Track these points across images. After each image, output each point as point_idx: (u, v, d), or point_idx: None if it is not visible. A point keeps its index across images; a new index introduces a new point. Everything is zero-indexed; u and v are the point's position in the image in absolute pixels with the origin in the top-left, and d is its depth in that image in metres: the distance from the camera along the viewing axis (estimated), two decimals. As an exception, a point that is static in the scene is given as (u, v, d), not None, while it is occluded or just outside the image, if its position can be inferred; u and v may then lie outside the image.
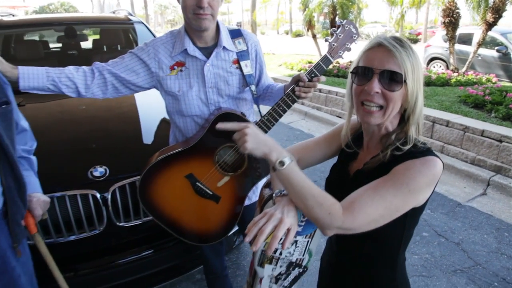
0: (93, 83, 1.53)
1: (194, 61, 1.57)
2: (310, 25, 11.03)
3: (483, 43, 8.25)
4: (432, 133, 4.79)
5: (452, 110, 5.08)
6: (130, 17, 3.86)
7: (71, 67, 1.52)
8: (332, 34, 1.43)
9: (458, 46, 9.67)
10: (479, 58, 9.36)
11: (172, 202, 1.54)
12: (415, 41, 24.28)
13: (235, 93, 1.63)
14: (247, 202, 1.68)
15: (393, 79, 0.95)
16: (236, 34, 1.62)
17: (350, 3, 9.97)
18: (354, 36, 1.44)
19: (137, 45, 3.93)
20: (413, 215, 1.02)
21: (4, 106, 1.21)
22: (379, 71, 0.96)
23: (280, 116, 1.41)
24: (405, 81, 0.95)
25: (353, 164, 1.12)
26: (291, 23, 42.79)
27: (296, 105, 7.84)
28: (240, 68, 1.60)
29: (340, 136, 1.20)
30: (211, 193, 1.53)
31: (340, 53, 1.45)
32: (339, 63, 8.56)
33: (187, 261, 2.12)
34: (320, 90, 7.24)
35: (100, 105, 2.41)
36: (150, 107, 2.44)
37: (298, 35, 36.83)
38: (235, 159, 1.53)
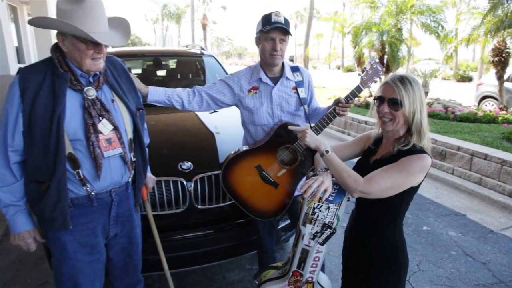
0: (193, 100, 2.20)
1: (265, 86, 2.20)
2: (359, 61, 11.57)
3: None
4: (470, 165, 5.05)
5: (493, 146, 5.30)
6: (203, 52, 4.64)
7: (179, 88, 2.21)
8: (363, 71, 2.00)
9: (511, 85, 9.70)
10: (534, 98, 9.31)
11: (244, 186, 2.12)
12: (469, 79, 23.90)
13: (293, 110, 2.23)
14: (296, 193, 2.21)
15: (394, 103, 1.51)
16: (295, 69, 2.26)
17: (399, 42, 10.40)
18: (380, 72, 1.99)
19: (205, 74, 4.70)
20: (410, 193, 1.53)
21: (141, 111, 1.87)
22: (387, 99, 1.54)
23: (324, 127, 1.97)
24: (401, 104, 1.49)
25: (373, 157, 1.66)
26: (343, 58, 43.48)
27: (340, 135, 8.30)
28: (297, 92, 2.21)
29: (361, 142, 1.79)
30: (272, 180, 2.10)
31: (369, 84, 2.00)
32: (359, 96, 9.01)
33: (241, 245, 2.64)
34: (358, 121, 7.72)
35: (184, 120, 3.12)
36: (217, 124, 3.10)
37: (349, 70, 37.34)
38: (289, 157, 2.10)
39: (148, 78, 4.56)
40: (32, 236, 1.73)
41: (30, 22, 1.55)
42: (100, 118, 1.64)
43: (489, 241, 3.72)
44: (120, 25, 1.69)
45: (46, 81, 1.56)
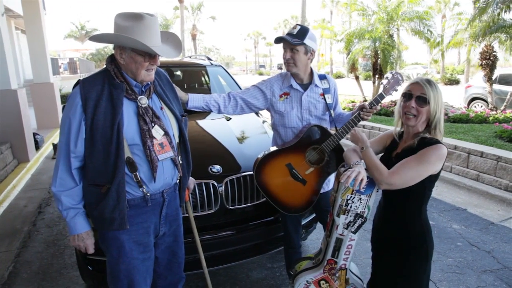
0: (229, 104, 2.40)
1: (295, 92, 2.40)
2: (353, 68, 11.88)
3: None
4: (467, 163, 5.31)
5: (488, 144, 5.57)
6: (211, 62, 4.84)
7: (215, 94, 2.41)
8: (386, 79, 2.22)
9: (499, 86, 10.07)
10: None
11: (276, 181, 2.31)
12: (456, 82, 24.54)
13: (320, 114, 2.44)
14: (321, 191, 2.40)
15: (422, 100, 1.72)
16: (322, 77, 2.47)
17: (391, 48, 10.74)
18: (400, 82, 2.21)
19: (209, 83, 4.89)
20: (431, 180, 1.74)
21: (184, 116, 2.04)
22: (416, 95, 1.74)
23: (349, 130, 2.17)
24: (428, 102, 1.69)
25: (394, 152, 1.87)
26: (331, 65, 44.04)
27: (343, 141, 8.53)
28: (324, 98, 2.41)
29: (383, 140, 1.99)
30: (301, 177, 2.29)
31: (391, 92, 2.22)
32: (381, 103, 9.26)
33: (268, 242, 2.81)
34: (363, 126, 7.92)
35: (209, 126, 3.33)
36: (240, 129, 3.29)
37: (338, 76, 37.92)
38: (317, 157, 2.30)
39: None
40: (90, 237, 1.85)
41: (93, 38, 1.71)
42: (153, 124, 1.79)
43: (491, 232, 3.95)
44: (169, 38, 1.85)
45: (105, 91, 1.70)
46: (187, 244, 2.28)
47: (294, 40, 2.26)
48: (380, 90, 2.26)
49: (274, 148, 2.41)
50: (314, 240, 3.71)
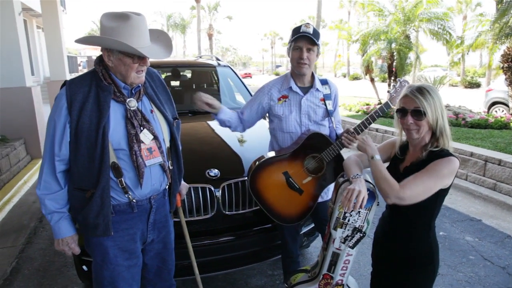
0: (239, 124, 2.39)
1: (295, 95, 2.29)
2: (368, 69, 11.65)
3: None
4: (484, 171, 5.08)
5: (507, 151, 5.34)
6: (219, 62, 4.77)
7: (234, 114, 2.38)
8: (392, 87, 2.09)
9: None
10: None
11: (271, 191, 2.20)
12: (477, 85, 23.89)
13: (319, 120, 2.32)
14: (320, 200, 2.29)
15: (418, 113, 1.60)
16: (324, 82, 2.36)
17: (407, 49, 10.47)
18: None
19: (218, 83, 4.82)
20: (441, 194, 1.61)
21: (177, 120, 1.96)
22: (410, 110, 1.62)
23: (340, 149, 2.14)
24: (425, 114, 1.57)
25: (402, 164, 1.74)
26: (348, 66, 43.52)
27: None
28: (325, 104, 2.30)
29: (387, 149, 1.86)
30: (298, 186, 2.18)
31: (397, 100, 2.08)
32: (386, 112, 9.05)
33: (266, 249, 2.72)
34: (377, 130, 7.73)
35: (208, 129, 3.26)
36: (246, 133, 3.20)
37: (355, 78, 37.44)
38: (315, 166, 2.19)
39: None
40: (75, 241, 1.80)
41: (79, 41, 1.64)
42: (142, 128, 1.71)
43: (507, 246, 3.74)
44: (159, 37, 1.76)
45: (92, 93, 1.63)
46: (181, 249, 2.21)
47: (316, 40, 2.17)
48: (387, 98, 2.14)
49: (271, 154, 2.31)
50: (318, 248, 3.59)
